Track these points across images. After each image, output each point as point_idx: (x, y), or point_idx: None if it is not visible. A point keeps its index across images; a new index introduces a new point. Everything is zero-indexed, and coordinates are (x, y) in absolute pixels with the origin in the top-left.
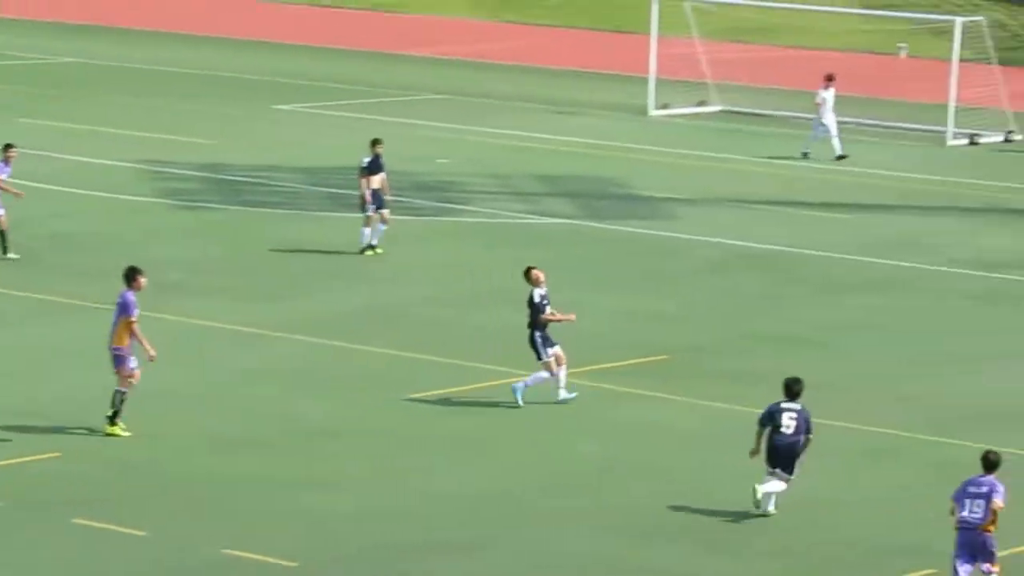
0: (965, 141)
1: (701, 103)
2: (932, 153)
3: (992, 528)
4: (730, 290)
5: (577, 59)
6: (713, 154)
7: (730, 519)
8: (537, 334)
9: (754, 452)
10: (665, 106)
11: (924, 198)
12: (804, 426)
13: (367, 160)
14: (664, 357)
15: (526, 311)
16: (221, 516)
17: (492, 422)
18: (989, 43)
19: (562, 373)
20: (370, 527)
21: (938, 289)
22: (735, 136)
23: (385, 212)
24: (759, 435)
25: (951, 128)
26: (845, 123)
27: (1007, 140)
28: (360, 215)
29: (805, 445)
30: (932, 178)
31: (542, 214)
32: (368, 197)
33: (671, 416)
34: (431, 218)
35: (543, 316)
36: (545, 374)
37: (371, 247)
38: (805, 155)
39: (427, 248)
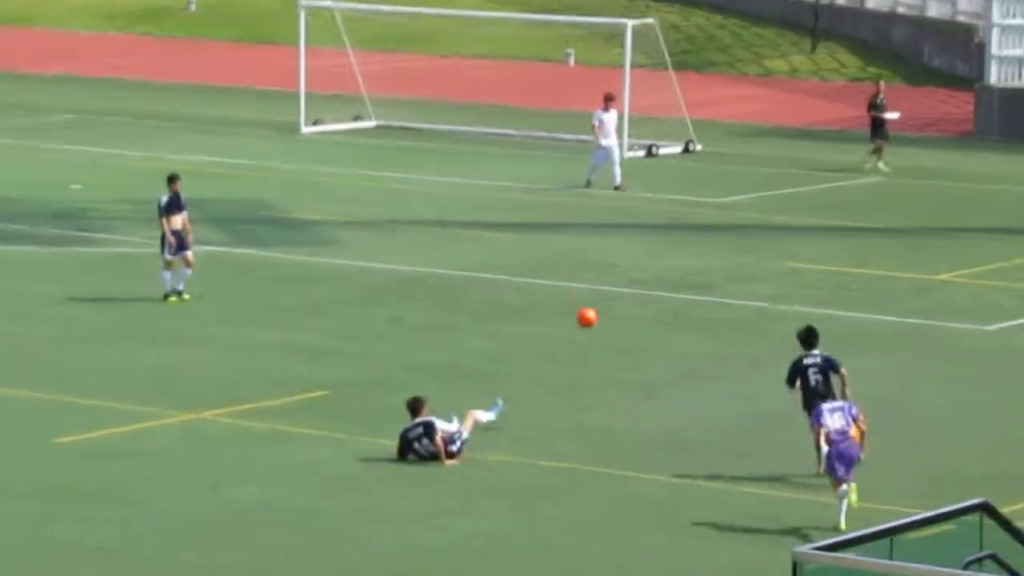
0: (642, 153)
1: (356, 118)
2: (646, 166)
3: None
4: (392, 319)
5: (221, 73)
6: (370, 172)
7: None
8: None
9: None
10: (317, 122)
11: (601, 215)
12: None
13: (165, 199)
14: (325, 393)
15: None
16: None
17: (136, 468)
18: (663, 47)
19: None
20: None
21: (617, 312)
22: (392, 153)
23: (188, 254)
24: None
25: (626, 140)
26: (510, 136)
27: (687, 150)
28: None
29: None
30: (605, 192)
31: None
32: (170, 239)
33: (331, 455)
34: (64, 248)
35: None
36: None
37: (176, 293)
38: (588, 184)
39: (61, 280)
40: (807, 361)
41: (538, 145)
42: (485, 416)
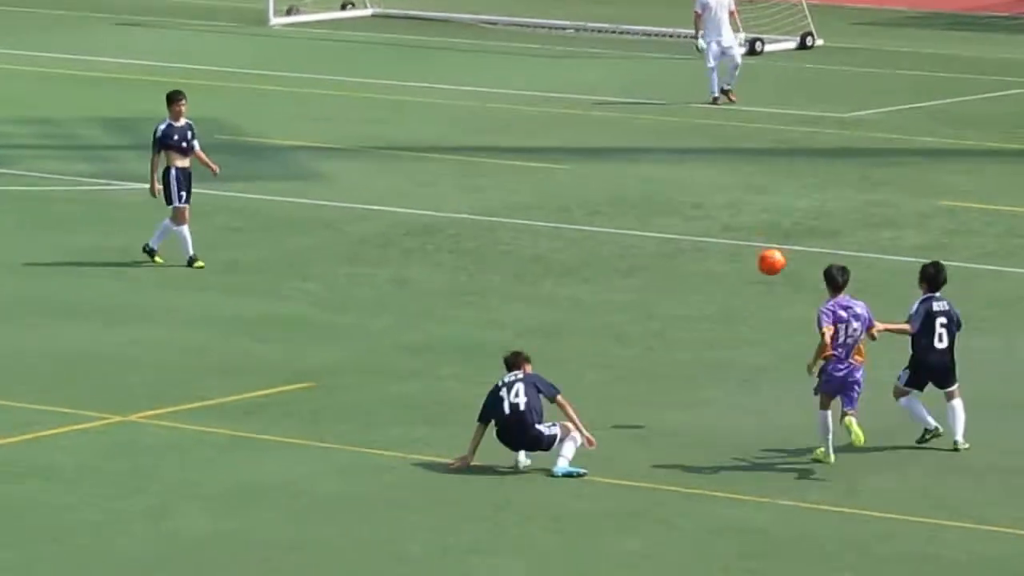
0: (743, 49)
1: (345, 5)
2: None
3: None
4: (396, 281)
5: None
6: (364, 79)
7: None
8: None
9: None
10: (292, 9)
11: (683, 138)
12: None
13: (162, 127)
14: (306, 385)
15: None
16: None
17: (42, 491)
18: None
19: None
20: None
21: (704, 270)
22: (394, 52)
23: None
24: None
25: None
26: (559, 29)
27: (804, 46)
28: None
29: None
30: (692, 108)
31: (114, 177)
32: (156, 185)
33: (314, 470)
34: None
35: None
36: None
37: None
38: (723, 94)
39: None
40: (936, 307)
41: (599, 40)
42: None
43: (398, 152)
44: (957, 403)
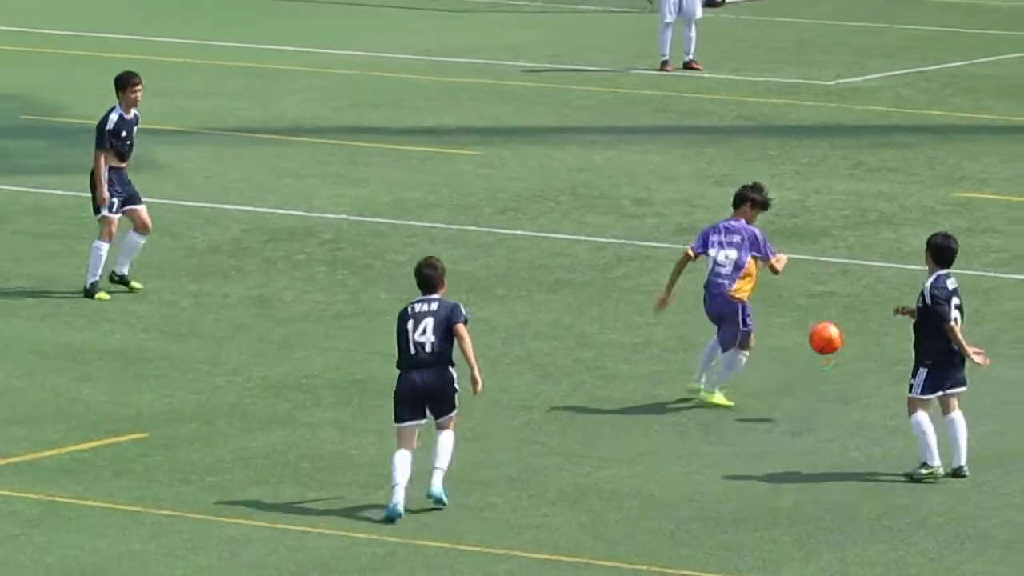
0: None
1: None
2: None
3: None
4: (256, 299)
5: None
6: (209, 43)
7: None
8: None
9: None
10: None
11: (627, 114)
12: None
13: (115, 117)
14: (139, 436)
15: None
16: None
17: None
18: None
19: None
20: None
21: (651, 281)
22: (249, 5)
23: (142, 210)
24: None
25: None
26: None
27: None
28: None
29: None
30: (637, 76)
31: None
32: (103, 189)
33: (151, 548)
34: None
35: None
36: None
37: (121, 279)
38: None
39: None
40: (952, 285)
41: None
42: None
43: (257, 135)
44: (960, 415)
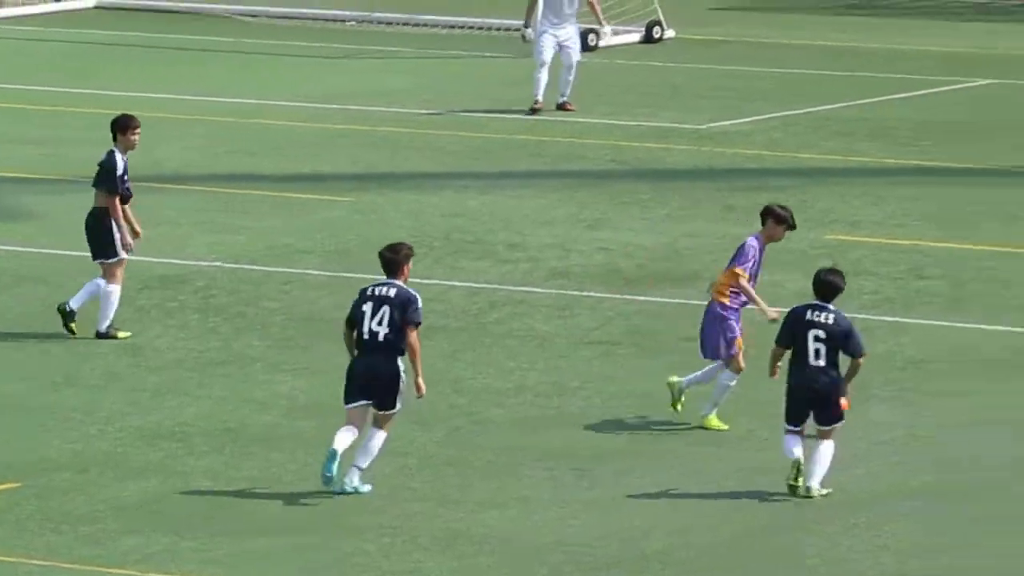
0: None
1: None
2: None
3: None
4: (125, 347)
5: None
6: (80, 91)
7: None
8: None
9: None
10: None
11: (499, 158)
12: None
13: (122, 162)
14: (11, 486)
15: None
16: None
17: None
18: None
19: None
20: None
21: (523, 330)
22: (118, 52)
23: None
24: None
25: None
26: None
27: (650, 39)
28: None
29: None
30: (509, 119)
31: None
32: (127, 235)
33: None
34: None
35: None
36: None
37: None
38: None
39: None
40: (810, 315)
41: (390, 36)
42: None
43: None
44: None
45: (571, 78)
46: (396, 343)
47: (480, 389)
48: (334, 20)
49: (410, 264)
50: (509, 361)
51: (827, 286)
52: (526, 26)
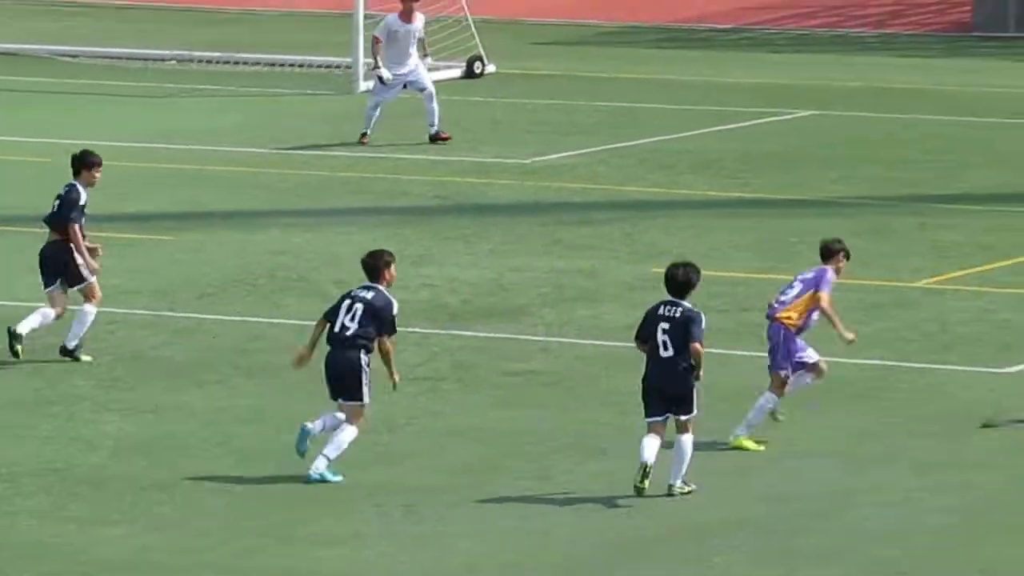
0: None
1: None
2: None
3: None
4: None
5: None
6: None
7: None
8: None
9: None
10: None
11: (321, 194)
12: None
13: (84, 194)
14: None
15: None
16: None
17: None
18: None
19: None
20: None
21: None
22: None
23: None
24: None
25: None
26: (156, 60)
27: (472, 74)
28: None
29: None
30: (335, 155)
31: None
32: (89, 260)
33: None
34: None
35: None
36: None
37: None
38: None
39: None
40: (662, 310)
41: (212, 74)
42: None
43: None
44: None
45: (434, 106)
46: (362, 339)
47: None
48: (156, 60)
49: (392, 269)
50: None
51: (674, 281)
52: (377, 67)
